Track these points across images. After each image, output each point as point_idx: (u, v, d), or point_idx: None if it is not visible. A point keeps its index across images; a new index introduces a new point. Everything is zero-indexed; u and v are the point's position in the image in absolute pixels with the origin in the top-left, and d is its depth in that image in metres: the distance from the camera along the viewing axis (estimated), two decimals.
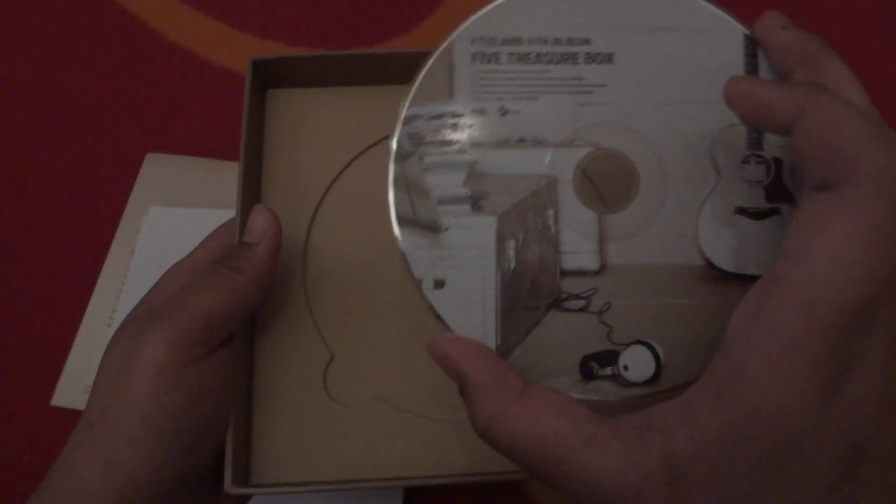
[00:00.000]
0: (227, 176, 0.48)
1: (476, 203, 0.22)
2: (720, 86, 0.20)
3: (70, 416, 0.41)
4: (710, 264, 0.21)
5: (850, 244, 0.16)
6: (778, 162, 0.22)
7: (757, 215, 0.21)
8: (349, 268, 0.30)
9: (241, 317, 0.28)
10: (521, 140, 0.22)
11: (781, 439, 0.16)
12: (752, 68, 0.22)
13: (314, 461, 0.27)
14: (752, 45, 0.22)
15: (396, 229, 0.22)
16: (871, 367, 0.17)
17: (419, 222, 0.22)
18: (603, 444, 0.17)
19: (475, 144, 0.22)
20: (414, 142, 0.22)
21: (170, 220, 0.45)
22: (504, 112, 0.22)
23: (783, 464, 0.16)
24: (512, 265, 0.22)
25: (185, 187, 0.47)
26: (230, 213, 0.45)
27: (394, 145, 0.22)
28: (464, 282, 0.21)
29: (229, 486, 0.26)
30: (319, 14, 0.55)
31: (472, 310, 0.21)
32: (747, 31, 0.23)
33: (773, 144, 0.22)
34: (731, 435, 0.16)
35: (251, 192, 0.31)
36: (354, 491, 0.35)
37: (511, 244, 0.22)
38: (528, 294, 0.22)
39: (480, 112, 0.22)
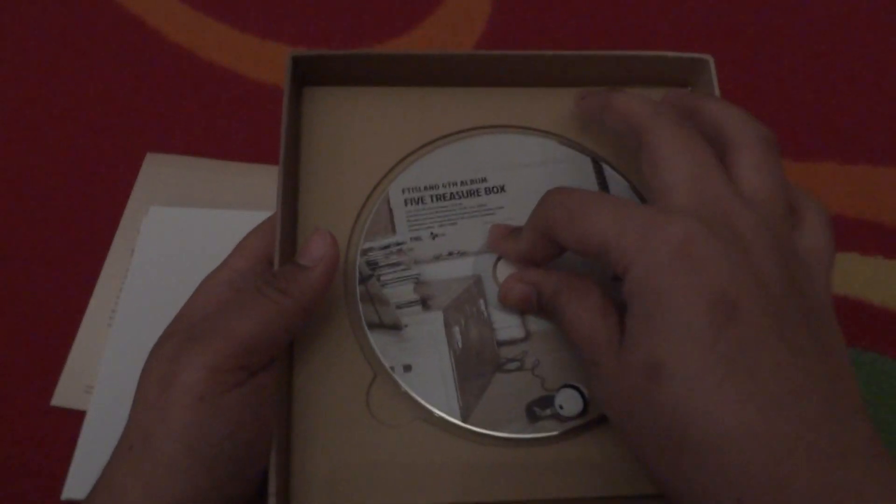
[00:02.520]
0: (227, 176, 0.48)
1: (425, 304, 0.29)
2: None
3: (70, 416, 0.41)
4: None
5: None
6: None
7: None
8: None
9: (284, 342, 0.27)
10: (450, 253, 0.30)
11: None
12: (601, 179, 0.31)
13: (358, 485, 0.27)
14: (598, 165, 0.32)
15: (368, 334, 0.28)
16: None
17: (384, 325, 0.28)
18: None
19: (417, 262, 0.30)
20: (371, 267, 0.29)
21: (170, 220, 0.45)
22: (434, 236, 0.30)
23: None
24: (460, 345, 0.28)
25: (185, 187, 0.47)
26: (231, 213, 0.45)
27: (357, 272, 0.29)
28: (426, 363, 0.28)
29: None
30: (319, 14, 0.55)
31: (435, 384, 0.27)
32: (593, 157, 0.32)
33: None
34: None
35: (290, 197, 0.30)
36: None
37: (456, 329, 0.28)
38: (476, 364, 0.28)
39: (417, 238, 0.30)
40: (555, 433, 0.27)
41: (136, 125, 0.51)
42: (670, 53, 0.32)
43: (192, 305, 0.29)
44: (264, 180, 0.48)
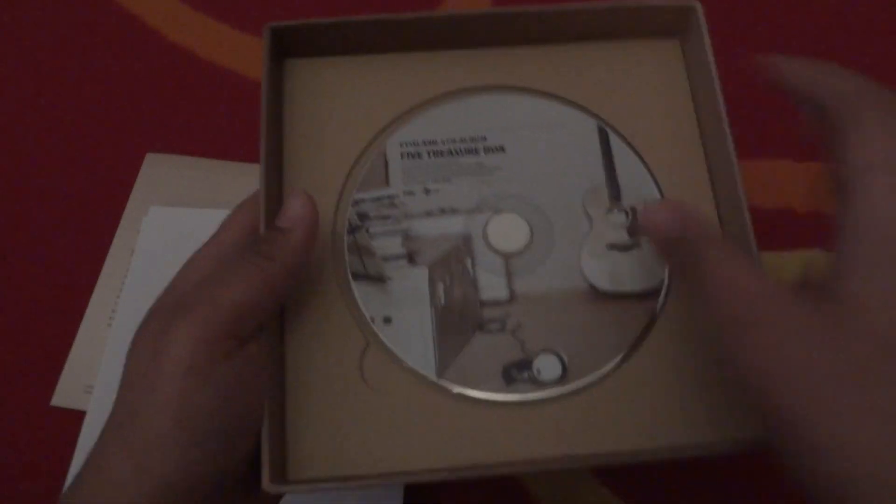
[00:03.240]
0: (227, 176, 0.48)
1: (412, 258, 0.29)
2: (581, 159, 0.30)
3: (70, 416, 0.41)
4: (593, 287, 0.29)
5: None
6: (633, 210, 0.30)
7: (624, 248, 0.29)
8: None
9: (272, 308, 0.26)
10: (442, 210, 0.30)
11: None
12: (606, 147, 0.31)
13: (355, 454, 0.26)
14: (604, 132, 0.31)
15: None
16: None
17: (369, 276, 0.28)
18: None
19: (408, 216, 0.29)
20: (361, 218, 0.29)
21: (170, 220, 0.45)
22: (427, 192, 0.30)
23: None
24: (443, 301, 0.28)
25: (185, 187, 0.47)
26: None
27: (346, 223, 0.29)
28: (406, 317, 0.28)
29: (267, 485, 0.25)
30: (319, 14, 0.55)
31: (414, 338, 0.28)
32: (598, 123, 0.31)
33: (628, 197, 0.30)
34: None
35: (274, 170, 0.29)
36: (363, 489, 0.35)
37: (440, 286, 0.28)
38: (457, 323, 0.28)
39: (410, 193, 0.30)
40: (530, 398, 0.27)
41: (136, 125, 0.51)
42: (658, 2, 0.31)
43: (180, 279, 0.28)
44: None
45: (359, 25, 0.30)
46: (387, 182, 0.30)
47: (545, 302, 0.28)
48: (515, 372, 0.27)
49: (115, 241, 0.46)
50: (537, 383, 0.27)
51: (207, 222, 0.44)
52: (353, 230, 0.29)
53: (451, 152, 0.30)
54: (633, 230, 0.29)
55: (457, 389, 0.27)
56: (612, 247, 0.28)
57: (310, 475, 0.26)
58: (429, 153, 0.30)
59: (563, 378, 0.27)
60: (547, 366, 0.27)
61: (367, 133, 0.31)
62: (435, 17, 0.30)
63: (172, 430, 0.23)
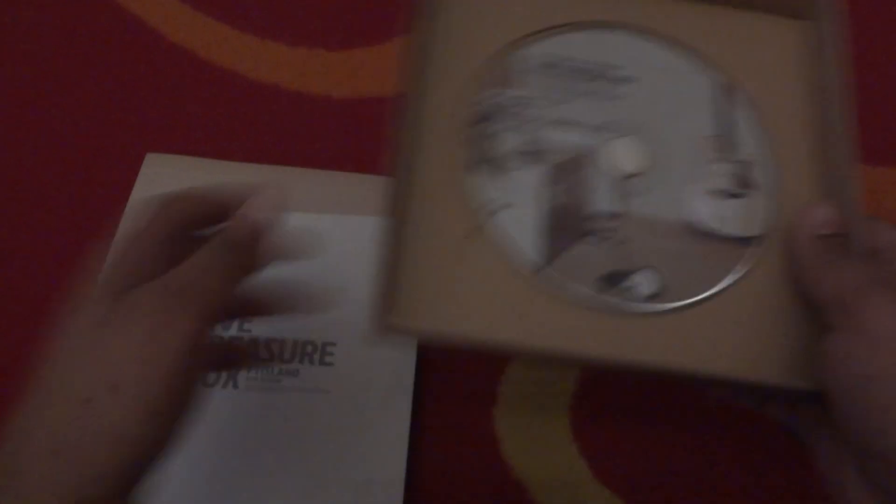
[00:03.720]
0: (227, 176, 0.48)
1: (536, 157, 0.31)
2: (706, 109, 0.33)
3: None
4: (697, 224, 0.31)
5: None
6: (745, 163, 0.32)
7: (730, 195, 0.31)
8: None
9: (234, 297, 0.28)
10: (567, 122, 0.32)
11: None
12: (729, 103, 0.33)
13: (450, 321, 0.28)
14: (728, 93, 0.33)
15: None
16: None
17: (489, 163, 0.30)
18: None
19: (535, 119, 0.32)
20: (494, 111, 0.31)
21: None
22: (557, 101, 0.32)
23: None
24: (558, 201, 0.30)
25: (185, 187, 0.47)
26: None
27: (475, 116, 0.31)
28: (521, 208, 0.30)
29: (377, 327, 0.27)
30: (319, 14, 0.55)
31: (526, 228, 0.30)
32: (726, 80, 0.34)
33: (741, 152, 0.32)
34: None
35: (420, 61, 0.32)
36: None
37: (557, 188, 0.30)
38: (568, 224, 0.30)
39: (538, 99, 0.32)
40: (622, 311, 0.29)
41: (136, 125, 0.51)
42: None
43: (123, 264, 0.28)
44: (263, 180, 0.48)
45: None
46: (523, 85, 0.32)
47: (650, 226, 0.30)
48: (614, 280, 0.29)
49: (115, 241, 0.46)
50: (629, 296, 0.29)
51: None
52: (481, 120, 0.31)
53: (587, 73, 0.33)
54: (741, 182, 0.31)
55: (555, 284, 0.29)
56: (720, 192, 0.31)
57: (410, 326, 0.28)
58: (567, 67, 0.33)
59: (656, 297, 0.29)
60: (645, 280, 0.29)
61: (514, 36, 0.33)
62: None
63: (166, 408, 0.24)
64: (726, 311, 0.29)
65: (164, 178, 0.48)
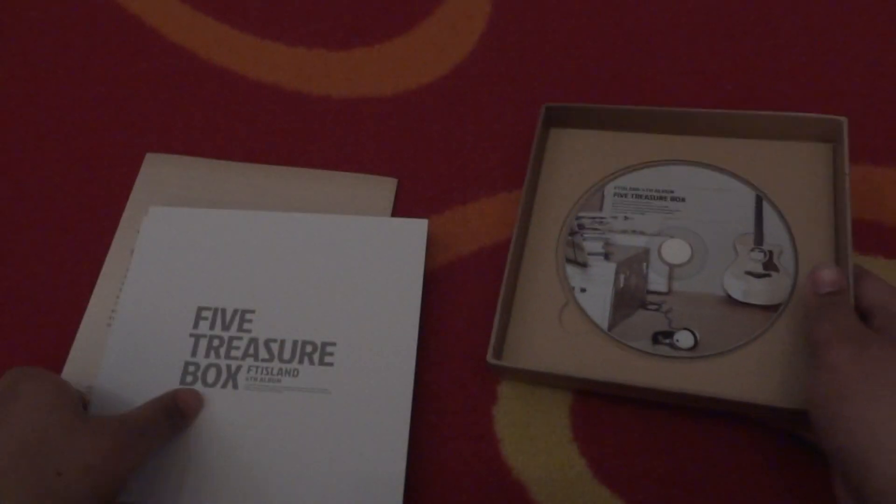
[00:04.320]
0: (226, 176, 0.48)
1: (607, 256, 0.44)
2: (740, 214, 0.43)
3: None
4: (729, 296, 0.41)
5: None
6: (771, 252, 0.42)
7: (757, 276, 0.41)
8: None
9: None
10: (633, 231, 0.44)
11: None
12: (759, 210, 0.43)
13: (546, 363, 0.40)
14: (759, 199, 0.44)
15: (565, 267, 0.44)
16: None
17: (578, 262, 0.44)
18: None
19: (610, 230, 0.44)
20: (580, 226, 0.45)
21: (170, 220, 0.45)
22: (626, 218, 0.45)
23: None
24: (621, 285, 0.42)
25: (185, 187, 0.47)
26: (230, 213, 0.45)
27: (570, 229, 0.45)
28: (596, 291, 0.43)
29: (490, 359, 0.38)
30: (319, 14, 0.55)
31: (600, 304, 0.42)
32: (756, 193, 0.44)
33: (767, 244, 0.42)
34: None
35: (527, 216, 0.45)
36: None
37: (622, 276, 0.43)
38: (629, 301, 0.42)
39: (615, 217, 0.45)
40: (669, 356, 0.40)
41: (136, 125, 0.51)
42: (812, 115, 0.43)
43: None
44: (264, 180, 0.48)
45: (594, 111, 0.47)
46: (601, 209, 0.45)
47: (692, 299, 0.41)
48: (661, 337, 0.41)
49: (115, 241, 0.46)
50: (675, 348, 0.40)
51: (207, 222, 0.45)
52: (573, 233, 0.44)
53: (647, 196, 0.45)
54: (767, 266, 0.41)
55: (621, 340, 0.41)
56: (749, 273, 0.41)
57: (515, 364, 0.40)
58: (632, 195, 0.45)
59: (694, 348, 0.40)
60: (684, 338, 0.40)
61: (596, 178, 0.46)
62: (655, 110, 0.46)
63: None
64: (750, 359, 0.39)
65: (164, 177, 0.48)
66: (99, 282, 0.45)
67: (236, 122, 0.50)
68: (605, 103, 0.49)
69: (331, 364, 0.40)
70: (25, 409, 0.32)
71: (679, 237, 0.43)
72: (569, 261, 0.43)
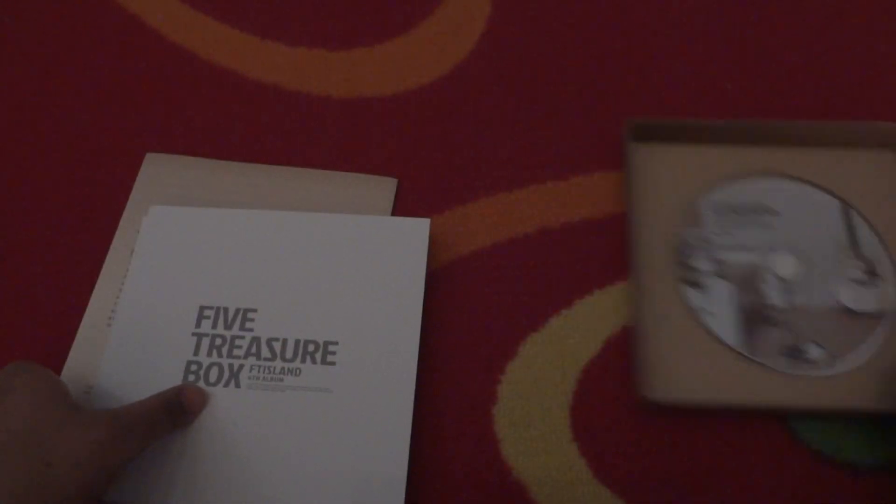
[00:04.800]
0: (226, 176, 0.48)
1: (720, 274, 0.44)
2: (832, 224, 0.45)
3: None
4: (844, 306, 0.43)
5: None
6: (871, 260, 0.44)
7: (863, 284, 0.43)
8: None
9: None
10: (738, 248, 0.45)
11: None
12: (849, 223, 0.45)
13: (682, 388, 0.41)
14: (848, 212, 0.46)
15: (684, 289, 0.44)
16: None
17: (692, 283, 0.44)
18: None
19: (717, 247, 0.45)
20: (689, 247, 0.45)
21: (170, 220, 0.45)
22: (729, 234, 0.45)
23: None
24: (743, 304, 0.43)
25: (185, 187, 0.47)
26: (230, 213, 0.45)
27: (675, 249, 0.45)
28: (719, 311, 0.43)
29: (643, 393, 0.39)
30: (319, 14, 0.55)
31: (726, 324, 0.43)
32: (843, 205, 0.46)
33: (867, 251, 0.44)
34: None
35: (636, 237, 0.45)
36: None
37: (742, 294, 0.43)
38: (754, 318, 0.43)
39: (718, 234, 0.45)
40: (798, 372, 0.41)
41: (136, 125, 0.51)
42: (890, 123, 0.46)
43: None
44: (264, 180, 0.48)
45: (682, 126, 0.47)
46: (699, 226, 0.46)
47: (810, 312, 0.43)
48: (794, 353, 0.42)
49: (115, 241, 0.46)
50: (809, 362, 0.41)
51: (207, 222, 0.45)
52: (683, 248, 0.45)
53: (746, 213, 0.46)
54: (868, 273, 0.44)
55: (752, 358, 0.42)
56: (855, 281, 0.43)
57: (662, 397, 0.41)
58: (732, 214, 0.46)
59: (822, 361, 0.41)
60: (814, 352, 0.42)
61: (693, 194, 0.47)
62: (741, 125, 0.47)
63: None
64: (877, 368, 0.41)
65: (163, 177, 0.48)
66: (99, 282, 0.44)
67: (236, 122, 0.50)
68: (604, 103, 0.48)
69: (333, 363, 0.40)
70: (18, 402, 0.33)
71: (785, 251, 0.45)
72: (684, 281, 0.44)
